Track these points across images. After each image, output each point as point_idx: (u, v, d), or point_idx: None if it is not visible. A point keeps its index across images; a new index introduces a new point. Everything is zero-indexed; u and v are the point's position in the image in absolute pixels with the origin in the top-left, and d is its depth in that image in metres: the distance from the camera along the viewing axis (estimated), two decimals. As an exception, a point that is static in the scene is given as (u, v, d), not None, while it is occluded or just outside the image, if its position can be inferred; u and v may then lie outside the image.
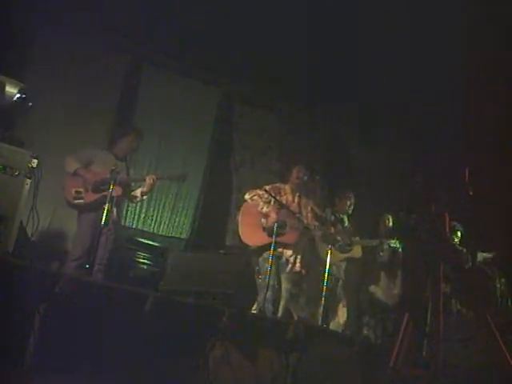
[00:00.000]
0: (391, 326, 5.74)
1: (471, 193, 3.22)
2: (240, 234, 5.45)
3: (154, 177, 5.05)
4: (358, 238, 5.80)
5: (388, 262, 5.92)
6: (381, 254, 5.85)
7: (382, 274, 5.94)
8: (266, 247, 5.24)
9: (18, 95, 3.83)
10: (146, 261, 5.93)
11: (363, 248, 5.84)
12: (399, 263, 5.91)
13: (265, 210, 5.37)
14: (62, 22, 6.31)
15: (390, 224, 5.94)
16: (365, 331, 5.82)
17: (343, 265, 5.84)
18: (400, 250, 5.79)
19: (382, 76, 6.29)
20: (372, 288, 5.96)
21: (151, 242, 6.20)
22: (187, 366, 3.68)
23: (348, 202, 5.93)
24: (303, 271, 5.52)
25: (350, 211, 5.96)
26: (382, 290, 5.90)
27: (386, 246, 5.74)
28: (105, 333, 3.45)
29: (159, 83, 7.07)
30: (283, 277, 5.36)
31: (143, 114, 6.93)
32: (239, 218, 5.52)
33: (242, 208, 5.60)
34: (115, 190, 4.63)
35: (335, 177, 7.41)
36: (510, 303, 5.70)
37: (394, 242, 5.70)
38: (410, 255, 5.94)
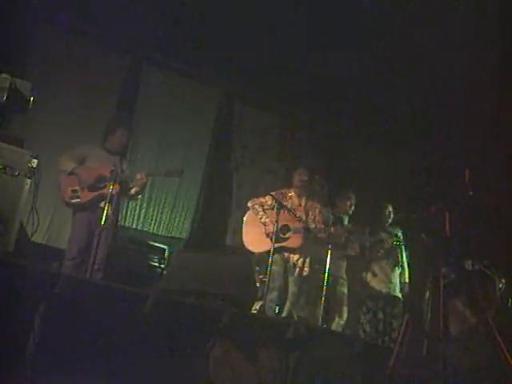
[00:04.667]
0: (388, 321, 5.73)
1: (471, 193, 3.22)
2: (244, 241, 5.44)
3: (144, 174, 4.99)
4: (355, 236, 5.79)
5: (385, 256, 5.92)
6: (381, 251, 5.84)
7: (377, 268, 5.93)
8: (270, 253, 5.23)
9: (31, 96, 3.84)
10: (146, 261, 5.93)
11: (361, 245, 5.84)
12: (396, 258, 5.91)
13: (263, 219, 5.37)
14: (61, 22, 6.31)
15: (391, 214, 5.93)
16: (366, 329, 5.81)
17: (343, 264, 5.83)
18: (399, 246, 5.79)
19: (382, 75, 6.30)
20: (368, 278, 5.95)
21: (151, 242, 6.20)
22: (187, 366, 3.68)
23: (349, 203, 5.92)
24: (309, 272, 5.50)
25: (351, 212, 5.95)
26: (377, 282, 5.89)
27: (385, 244, 5.73)
28: (105, 333, 3.45)
29: (159, 83, 7.08)
30: (291, 280, 5.32)
31: (143, 113, 6.93)
32: (244, 227, 5.49)
33: (245, 217, 5.56)
34: (114, 189, 4.63)
35: (335, 177, 7.41)
36: (510, 303, 5.70)
37: (393, 239, 5.70)
38: (409, 255, 5.94)
